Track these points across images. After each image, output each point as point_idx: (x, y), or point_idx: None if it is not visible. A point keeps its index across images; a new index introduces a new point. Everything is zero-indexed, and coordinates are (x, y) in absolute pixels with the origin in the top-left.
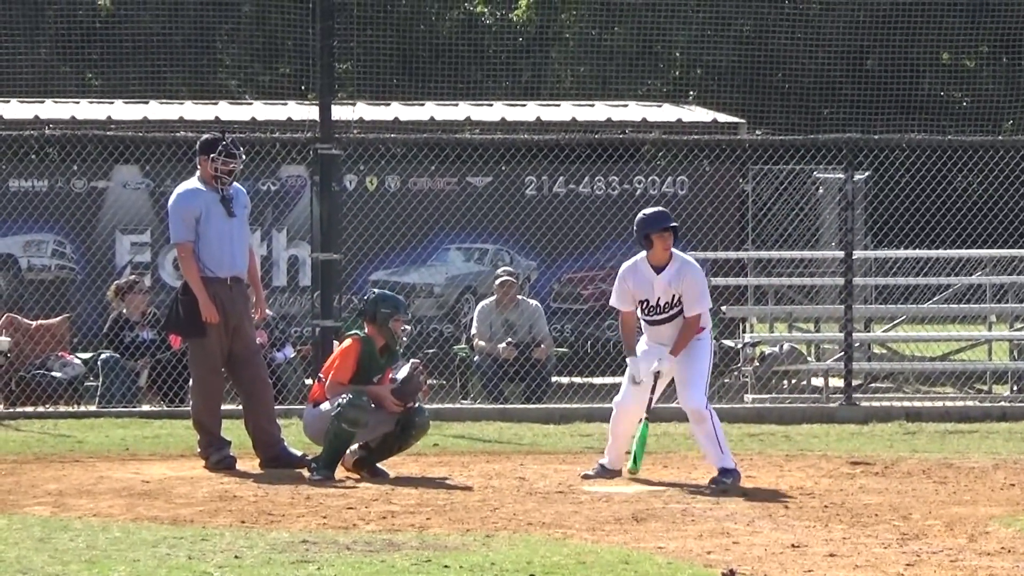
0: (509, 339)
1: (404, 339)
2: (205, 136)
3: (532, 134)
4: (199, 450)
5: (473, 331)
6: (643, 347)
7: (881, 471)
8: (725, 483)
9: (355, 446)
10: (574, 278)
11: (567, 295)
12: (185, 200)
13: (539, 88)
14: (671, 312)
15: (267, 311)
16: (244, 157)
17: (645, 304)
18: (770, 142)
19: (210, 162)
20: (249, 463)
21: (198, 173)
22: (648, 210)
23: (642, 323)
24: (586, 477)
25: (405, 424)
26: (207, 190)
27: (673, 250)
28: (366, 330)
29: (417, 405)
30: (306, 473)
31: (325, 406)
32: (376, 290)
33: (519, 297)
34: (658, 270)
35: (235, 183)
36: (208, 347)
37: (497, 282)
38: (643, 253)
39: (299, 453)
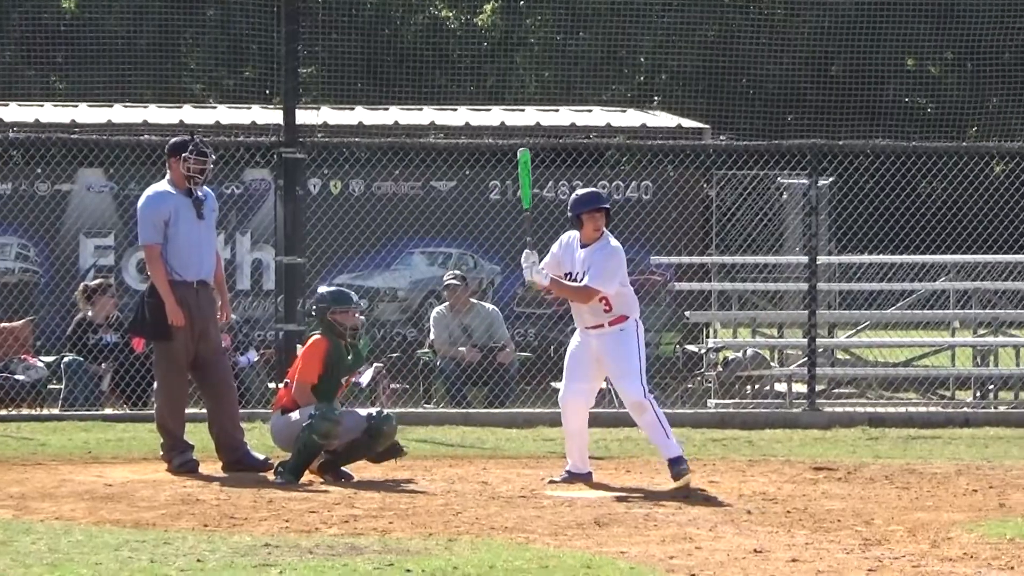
0: (471, 343)
1: (362, 331)
2: (174, 139)
3: (496, 139)
4: (162, 453)
5: (432, 337)
6: (576, 339)
7: (844, 476)
8: (682, 470)
9: None
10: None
11: (531, 299)
12: (155, 202)
13: (503, 93)
14: None
15: (231, 315)
16: (214, 157)
17: (568, 277)
18: (734, 147)
19: (181, 162)
20: (212, 467)
21: (168, 176)
22: (581, 190)
23: (569, 301)
24: (553, 483)
25: (374, 431)
26: (177, 193)
27: (605, 231)
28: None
29: (384, 412)
30: (271, 476)
31: (294, 415)
32: (321, 289)
33: (473, 301)
34: (584, 247)
35: (204, 186)
36: (173, 350)
37: (443, 286)
38: None
39: (262, 457)
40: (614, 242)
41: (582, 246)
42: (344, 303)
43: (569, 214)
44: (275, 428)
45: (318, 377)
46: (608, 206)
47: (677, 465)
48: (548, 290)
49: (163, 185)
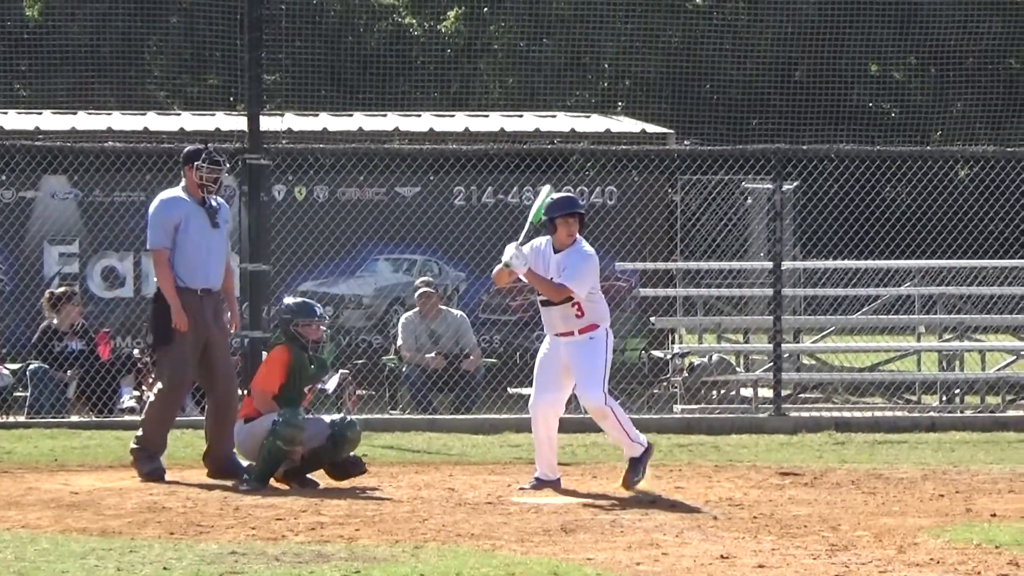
0: (438, 350)
1: (325, 342)
2: (188, 147)
3: (460, 144)
4: (133, 446)
5: (399, 342)
6: (546, 347)
7: (810, 482)
8: (638, 479)
9: None
10: (503, 289)
11: (496, 306)
12: (166, 208)
13: (467, 99)
14: None
15: (239, 324)
16: (228, 166)
17: None
18: (699, 152)
19: (195, 171)
20: (178, 473)
21: (183, 183)
22: (556, 195)
23: (539, 307)
24: (522, 490)
25: (337, 438)
26: (190, 200)
27: (579, 237)
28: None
29: (348, 419)
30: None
31: (258, 422)
32: (287, 300)
33: (442, 307)
34: (557, 252)
35: (219, 198)
36: (173, 356)
37: (416, 294)
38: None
39: (246, 463)
40: (588, 248)
41: (555, 251)
42: (308, 316)
43: (543, 217)
44: (239, 436)
45: (279, 386)
46: (583, 211)
47: (634, 473)
48: (515, 281)
49: (176, 191)
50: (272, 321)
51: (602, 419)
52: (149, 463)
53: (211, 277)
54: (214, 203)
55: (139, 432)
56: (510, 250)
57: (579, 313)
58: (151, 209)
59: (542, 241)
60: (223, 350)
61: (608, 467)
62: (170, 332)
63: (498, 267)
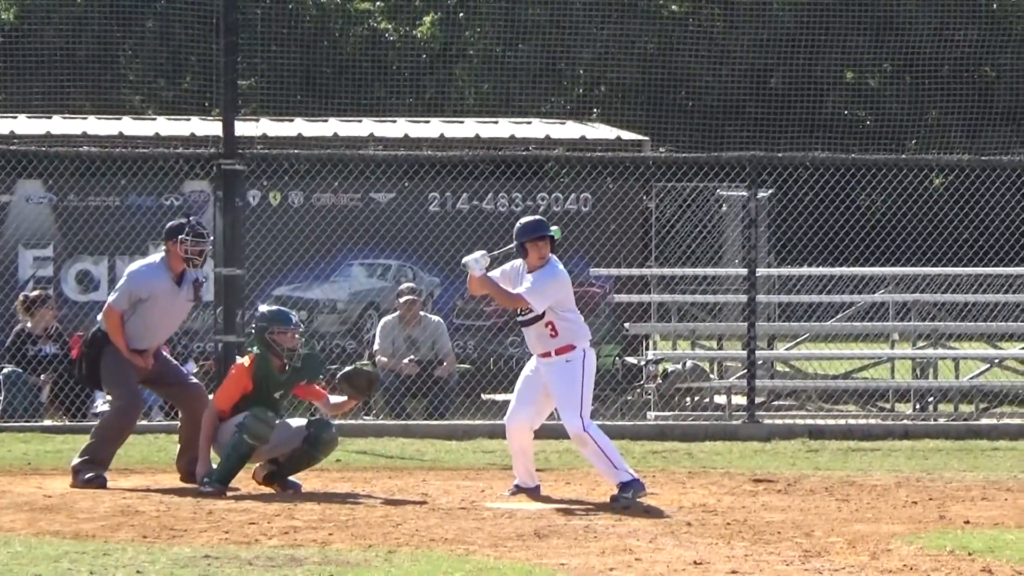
0: (412, 356)
1: (299, 350)
2: (170, 223)
3: (435, 150)
4: (77, 461)
5: (376, 347)
6: (531, 365)
7: (784, 488)
8: (627, 498)
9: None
10: (476, 295)
11: (470, 311)
12: (141, 279)
13: (443, 105)
14: (528, 315)
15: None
16: (212, 238)
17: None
18: (674, 159)
19: (179, 245)
20: (151, 477)
21: (163, 255)
22: (526, 218)
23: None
24: (499, 497)
25: (313, 440)
26: (167, 276)
27: (552, 257)
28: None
29: (323, 420)
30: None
31: (232, 420)
32: (261, 308)
33: (421, 313)
34: (530, 273)
35: (203, 272)
36: (120, 375)
37: (400, 300)
38: None
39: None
40: (559, 267)
41: (528, 272)
42: (283, 324)
43: (514, 243)
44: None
45: (232, 405)
46: (552, 235)
47: (624, 491)
48: (477, 287)
49: (159, 265)
50: (246, 327)
51: (582, 445)
52: (92, 469)
53: (157, 342)
54: (200, 277)
55: (89, 443)
56: (475, 254)
57: (552, 333)
58: (130, 269)
59: (519, 264)
60: (174, 369)
61: (582, 473)
62: (97, 379)
63: (469, 275)
